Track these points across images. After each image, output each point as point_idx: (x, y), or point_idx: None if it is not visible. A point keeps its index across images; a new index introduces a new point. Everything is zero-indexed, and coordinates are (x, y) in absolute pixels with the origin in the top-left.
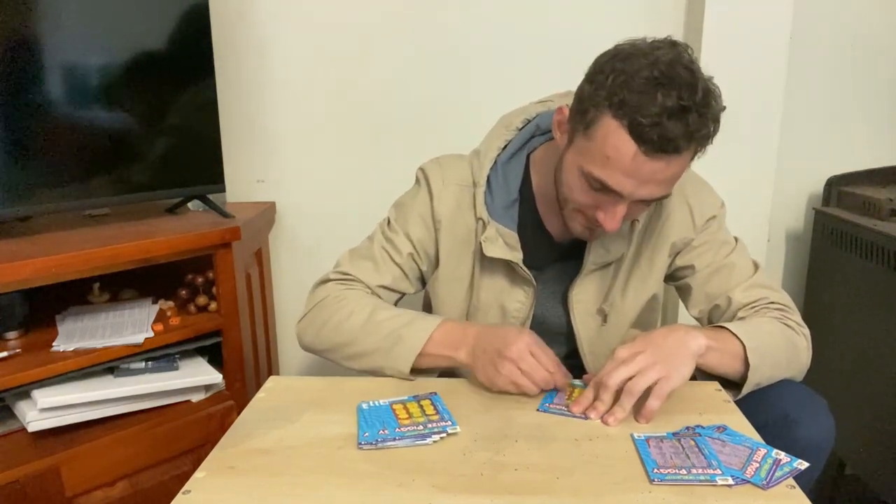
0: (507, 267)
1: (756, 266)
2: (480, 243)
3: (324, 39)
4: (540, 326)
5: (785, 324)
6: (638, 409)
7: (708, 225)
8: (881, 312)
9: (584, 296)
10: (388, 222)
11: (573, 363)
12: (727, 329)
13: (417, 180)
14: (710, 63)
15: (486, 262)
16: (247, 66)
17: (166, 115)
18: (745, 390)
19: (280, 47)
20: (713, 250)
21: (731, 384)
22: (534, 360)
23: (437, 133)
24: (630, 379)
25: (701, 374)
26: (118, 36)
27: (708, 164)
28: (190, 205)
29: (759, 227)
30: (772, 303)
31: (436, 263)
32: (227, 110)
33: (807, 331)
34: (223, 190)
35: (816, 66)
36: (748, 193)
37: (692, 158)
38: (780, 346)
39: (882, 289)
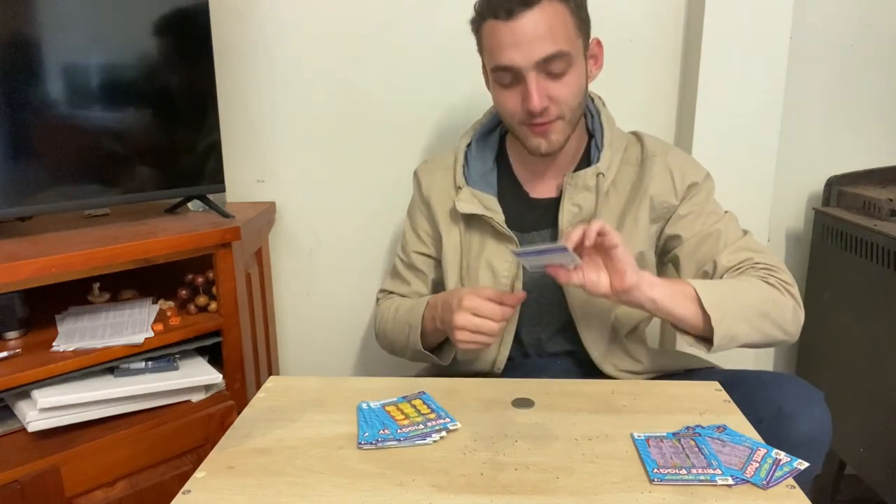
0: (490, 229)
1: (745, 232)
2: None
3: (324, 39)
4: (540, 291)
5: (766, 281)
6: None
7: (691, 192)
8: (881, 312)
9: None
10: (404, 232)
11: (568, 331)
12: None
13: (414, 188)
14: (711, 63)
15: (472, 227)
16: (247, 67)
17: (166, 115)
18: (717, 340)
19: (280, 47)
20: (700, 220)
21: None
22: (477, 318)
23: (437, 133)
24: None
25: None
26: (118, 36)
27: (708, 164)
28: (190, 205)
29: (759, 227)
30: (756, 263)
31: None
32: (227, 110)
33: (795, 289)
34: (223, 190)
35: (816, 66)
36: (748, 193)
37: (572, 10)
38: (752, 298)
39: (882, 289)
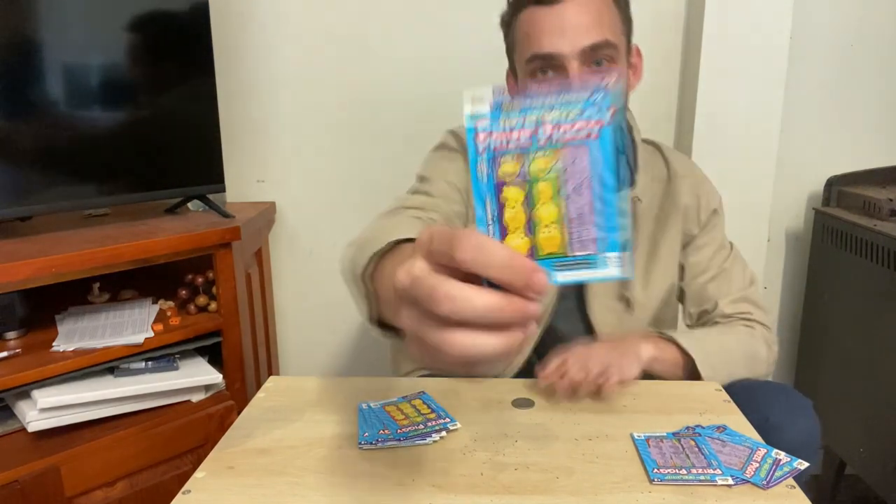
0: None
1: (752, 280)
2: None
3: (324, 39)
4: (565, 317)
5: (766, 342)
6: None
7: (711, 221)
8: (881, 312)
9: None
10: (419, 178)
11: None
12: (675, 343)
13: (449, 147)
14: (711, 63)
15: None
16: (247, 66)
17: (166, 115)
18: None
19: (280, 47)
20: (711, 252)
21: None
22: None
23: (436, 133)
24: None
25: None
26: (118, 36)
27: (708, 164)
28: (190, 205)
29: (759, 227)
30: (753, 320)
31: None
32: (227, 110)
33: (776, 348)
34: (223, 190)
35: (816, 66)
36: (748, 193)
37: (620, 4)
38: (737, 363)
39: (882, 289)
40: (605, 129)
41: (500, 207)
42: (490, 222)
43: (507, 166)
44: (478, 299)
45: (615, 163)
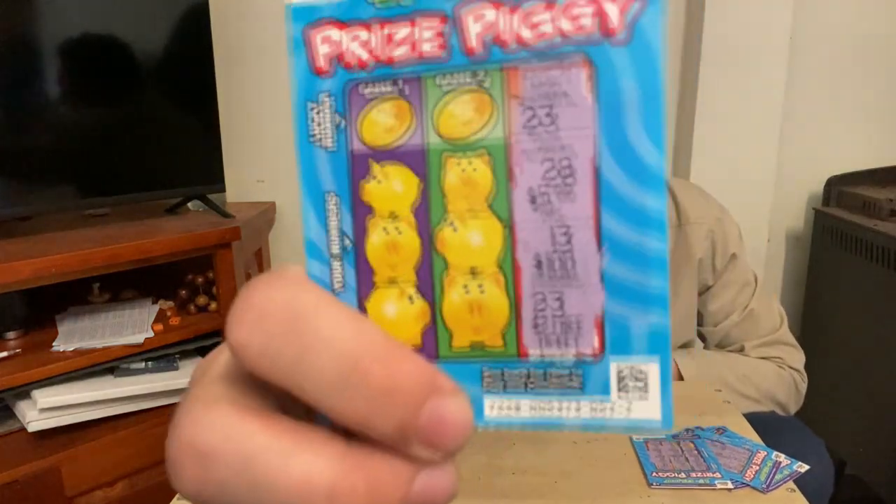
0: None
1: (782, 317)
2: None
3: None
4: None
5: (797, 388)
6: None
7: (730, 266)
8: (881, 312)
9: None
10: None
11: None
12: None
13: None
14: (710, 64)
15: None
16: (247, 66)
17: (166, 115)
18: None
19: (280, 47)
20: (733, 293)
21: None
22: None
23: None
24: None
25: None
26: (118, 36)
27: (709, 164)
28: (190, 205)
29: (759, 227)
30: (783, 364)
31: None
32: (227, 110)
33: (803, 391)
34: (223, 190)
35: (816, 66)
36: (748, 193)
37: None
38: (746, 392)
39: (882, 289)
40: (649, 10)
41: (360, 219)
42: (333, 254)
43: (378, 118)
44: (277, 463)
45: (661, 116)
